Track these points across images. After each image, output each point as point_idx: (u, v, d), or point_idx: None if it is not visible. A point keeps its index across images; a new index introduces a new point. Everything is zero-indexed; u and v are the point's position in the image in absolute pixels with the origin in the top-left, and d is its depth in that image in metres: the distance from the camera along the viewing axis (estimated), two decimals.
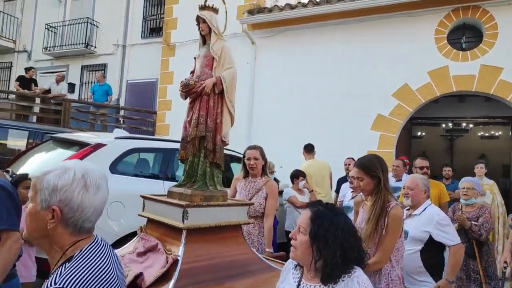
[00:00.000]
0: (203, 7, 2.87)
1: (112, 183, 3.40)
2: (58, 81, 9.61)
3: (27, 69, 9.72)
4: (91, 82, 12.26)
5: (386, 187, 2.18)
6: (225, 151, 4.74)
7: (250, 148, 3.36)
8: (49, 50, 12.82)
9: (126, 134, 4.54)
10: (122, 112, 10.97)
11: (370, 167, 2.20)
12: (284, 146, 7.67)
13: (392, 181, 5.27)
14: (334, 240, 1.43)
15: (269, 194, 3.24)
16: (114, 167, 3.45)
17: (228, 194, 3.00)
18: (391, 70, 7.18)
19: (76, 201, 1.12)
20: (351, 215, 3.54)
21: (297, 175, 5.31)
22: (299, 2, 8.18)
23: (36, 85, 9.59)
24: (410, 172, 5.93)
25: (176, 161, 4.37)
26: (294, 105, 8.02)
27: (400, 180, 5.26)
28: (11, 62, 13.99)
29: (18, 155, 4.36)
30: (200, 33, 2.87)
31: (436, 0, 6.82)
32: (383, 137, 7.16)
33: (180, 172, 4.31)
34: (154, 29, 11.75)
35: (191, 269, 2.07)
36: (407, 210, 2.91)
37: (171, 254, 2.12)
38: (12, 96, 9.61)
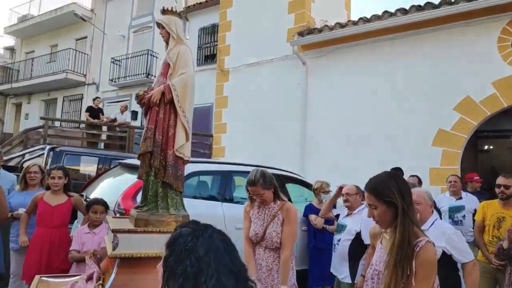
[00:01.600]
0: (163, 11, 2.67)
1: None
2: (122, 111, 10.38)
3: (94, 99, 10.63)
4: None
5: (410, 217, 1.64)
6: (279, 172, 4.86)
7: (249, 184, 2.73)
8: (114, 82, 13.93)
9: None
10: None
11: (383, 191, 1.68)
12: (340, 166, 7.57)
13: (451, 200, 4.93)
14: (182, 273, 1.02)
15: (285, 219, 2.72)
16: None
17: (244, 227, 2.83)
18: (450, 83, 6.85)
19: None
20: (343, 236, 3.35)
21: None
22: (349, 21, 8.17)
23: (103, 114, 10.43)
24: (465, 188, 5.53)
25: (234, 183, 4.50)
26: (348, 123, 7.91)
27: (460, 198, 4.91)
28: (82, 94, 15.38)
29: (91, 180, 4.74)
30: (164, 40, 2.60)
31: (496, 8, 6.46)
32: (446, 153, 6.78)
33: (237, 193, 4.43)
34: (208, 56, 12.32)
35: None
36: None
37: (99, 285, 1.95)
38: (83, 125, 10.54)
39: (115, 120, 10.22)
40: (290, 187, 5.04)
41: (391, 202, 1.65)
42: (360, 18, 7.91)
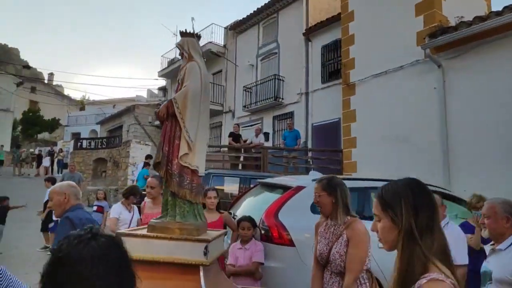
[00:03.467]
0: (180, 34, 2.73)
1: (314, 223, 3.65)
2: (256, 134, 11.18)
3: (234, 126, 11.78)
4: (282, 130, 13.71)
5: (420, 243, 1.18)
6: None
7: (316, 182, 2.58)
8: (247, 107, 15.12)
9: (321, 175, 4.87)
10: (310, 154, 11.76)
11: (391, 203, 1.27)
12: (495, 180, 6.64)
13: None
14: None
15: (350, 239, 2.31)
16: (314, 208, 3.76)
17: (314, 245, 2.61)
18: None
19: None
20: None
21: None
22: (491, 12, 7.24)
23: (241, 138, 11.43)
24: None
25: (372, 200, 4.40)
26: (498, 125, 6.91)
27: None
28: (221, 122, 17.12)
29: (236, 199, 5.25)
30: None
31: None
32: None
33: None
34: (332, 72, 12.40)
35: None
36: (491, 245, 2.32)
37: None
38: (223, 149, 11.71)
39: (250, 142, 11.09)
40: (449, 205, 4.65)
41: (397, 219, 1.24)
42: (506, 7, 6.93)
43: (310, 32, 13.11)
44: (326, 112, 12.05)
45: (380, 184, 4.19)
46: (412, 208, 1.22)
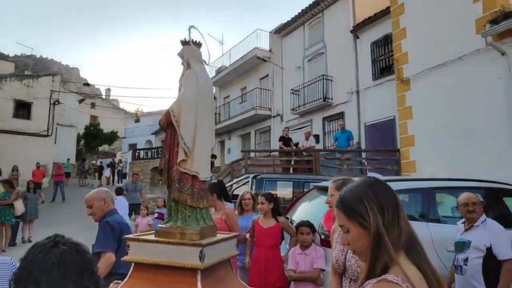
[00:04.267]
0: (181, 43, 2.66)
1: None
2: (306, 138, 11.04)
3: (284, 130, 11.72)
4: (332, 131, 13.42)
5: (386, 242, 1.10)
6: (493, 185, 4.17)
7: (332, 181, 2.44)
8: (295, 110, 15.00)
9: (379, 176, 4.66)
10: (364, 154, 11.38)
11: (354, 206, 1.17)
12: None
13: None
14: None
15: None
16: None
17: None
18: None
19: None
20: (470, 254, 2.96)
21: None
22: None
23: (292, 141, 11.36)
24: None
25: (436, 201, 4.13)
26: None
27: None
28: (269, 126, 17.15)
29: (292, 203, 5.18)
30: None
31: None
32: None
33: (445, 212, 4.04)
34: (384, 69, 11.94)
35: None
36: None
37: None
38: (273, 153, 11.71)
39: (302, 146, 10.97)
40: (509, 201, 4.27)
41: (364, 223, 1.14)
42: None
43: (358, 29, 12.74)
44: (379, 110, 11.61)
45: (446, 184, 3.94)
46: (377, 206, 1.15)
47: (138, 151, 19.02)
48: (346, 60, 13.14)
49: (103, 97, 41.01)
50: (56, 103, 20.17)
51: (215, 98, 23.51)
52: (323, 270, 3.26)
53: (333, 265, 2.36)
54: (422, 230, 3.66)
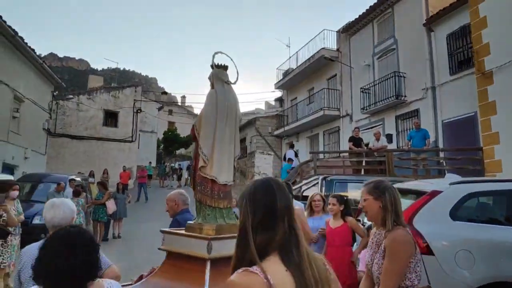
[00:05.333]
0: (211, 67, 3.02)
1: (455, 230, 3.41)
2: (377, 138, 10.72)
3: (354, 130, 11.52)
4: (406, 130, 12.85)
5: (250, 241, 1.17)
6: None
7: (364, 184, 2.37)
8: (366, 109, 14.62)
9: (459, 178, 4.46)
10: (442, 154, 10.73)
11: (239, 203, 1.26)
12: None
13: None
14: None
15: (386, 250, 2.07)
16: (455, 214, 3.47)
17: None
18: None
19: None
20: None
21: None
22: None
23: (363, 142, 11.12)
24: None
25: None
26: None
27: None
28: (338, 127, 16.91)
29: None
30: None
31: None
32: None
33: None
34: (462, 62, 11.17)
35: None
36: None
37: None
38: (342, 155, 11.56)
39: (372, 146, 10.69)
40: None
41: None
42: None
43: (432, 22, 12.07)
44: (458, 107, 10.88)
45: None
46: (251, 207, 1.20)
47: None
48: (419, 55, 12.51)
49: (179, 104, 43.62)
50: (139, 111, 22.04)
51: (282, 100, 23.80)
52: None
53: (366, 267, 2.36)
54: (507, 233, 3.46)
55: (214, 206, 2.74)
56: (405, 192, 4.41)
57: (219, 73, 2.94)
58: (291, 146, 17.17)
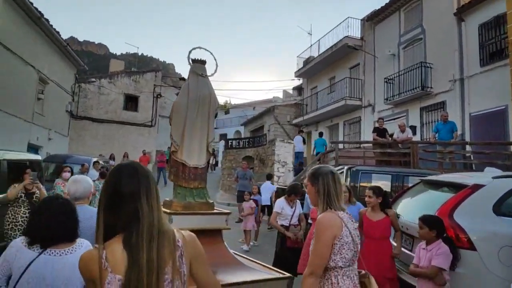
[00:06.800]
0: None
1: (498, 225, 3.29)
2: (402, 130, 10.49)
3: (378, 120, 11.30)
4: (431, 122, 12.56)
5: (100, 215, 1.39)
6: None
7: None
8: (389, 100, 14.33)
9: (499, 172, 4.31)
10: (469, 148, 10.47)
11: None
12: None
13: None
14: None
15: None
16: (498, 208, 3.36)
17: None
18: None
19: None
20: None
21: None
22: None
23: (388, 133, 10.90)
24: None
25: None
26: None
27: None
28: (360, 117, 16.65)
29: (396, 197, 5.05)
30: None
31: None
32: None
33: None
34: (494, 53, 10.79)
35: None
36: None
37: None
38: (363, 145, 11.35)
39: (397, 137, 10.48)
40: None
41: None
42: None
43: (463, 11, 11.65)
44: (488, 100, 10.54)
45: None
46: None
47: (230, 141, 19.96)
48: (448, 45, 12.12)
49: None
50: (159, 96, 22.14)
51: (302, 89, 23.56)
52: (442, 269, 3.07)
53: None
54: None
55: (185, 186, 3.06)
56: (441, 185, 4.31)
57: (193, 67, 3.20)
58: (300, 131, 17.01)
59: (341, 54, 17.48)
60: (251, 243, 8.11)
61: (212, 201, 3.18)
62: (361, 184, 7.40)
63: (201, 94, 3.12)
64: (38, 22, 13.14)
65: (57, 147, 15.37)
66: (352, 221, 2.13)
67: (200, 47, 3.21)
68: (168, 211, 2.88)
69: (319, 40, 19.80)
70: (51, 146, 15.00)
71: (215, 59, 3.21)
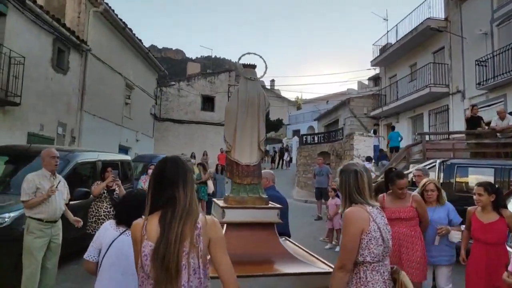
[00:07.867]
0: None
1: None
2: (501, 117, 9.29)
3: (472, 108, 10.18)
4: None
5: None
6: None
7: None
8: (482, 85, 12.85)
9: None
10: None
11: None
12: None
13: None
14: None
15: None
16: None
17: None
18: None
19: None
20: None
21: None
22: None
23: (483, 121, 9.78)
24: None
25: None
26: None
27: None
28: (447, 105, 15.23)
29: (505, 195, 4.42)
30: None
31: None
32: None
33: None
34: None
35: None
36: None
37: None
38: (453, 136, 10.29)
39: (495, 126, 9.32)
40: None
41: None
42: None
43: None
44: None
45: None
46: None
47: (305, 137, 19.69)
48: None
49: (268, 87, 44.02)
50: None
51: (379, 78, 22.34)
52: None
53: None
54: None
55: (239, 183, 3.25)
56: None
57: (243, 72, 3.41)
58: (375, 124, 16.18)
59: (423, 38, 16.14)
60: (333, 242, 7.82)
61: (265, 196, 3.37)
62: (457, 179, 6.68)
63: (250, 96, 3.34)
64: (123, 32, 14.23)
65: (144, 147, 16.54)
66: (382, 216, 2.12)
67: (249, 53, 3.49)
68: (221, 205, 3.14)
69: (397, 24, 18.58)
70: (139, 147, 16.18)
71: (264, 62, 3.47)
